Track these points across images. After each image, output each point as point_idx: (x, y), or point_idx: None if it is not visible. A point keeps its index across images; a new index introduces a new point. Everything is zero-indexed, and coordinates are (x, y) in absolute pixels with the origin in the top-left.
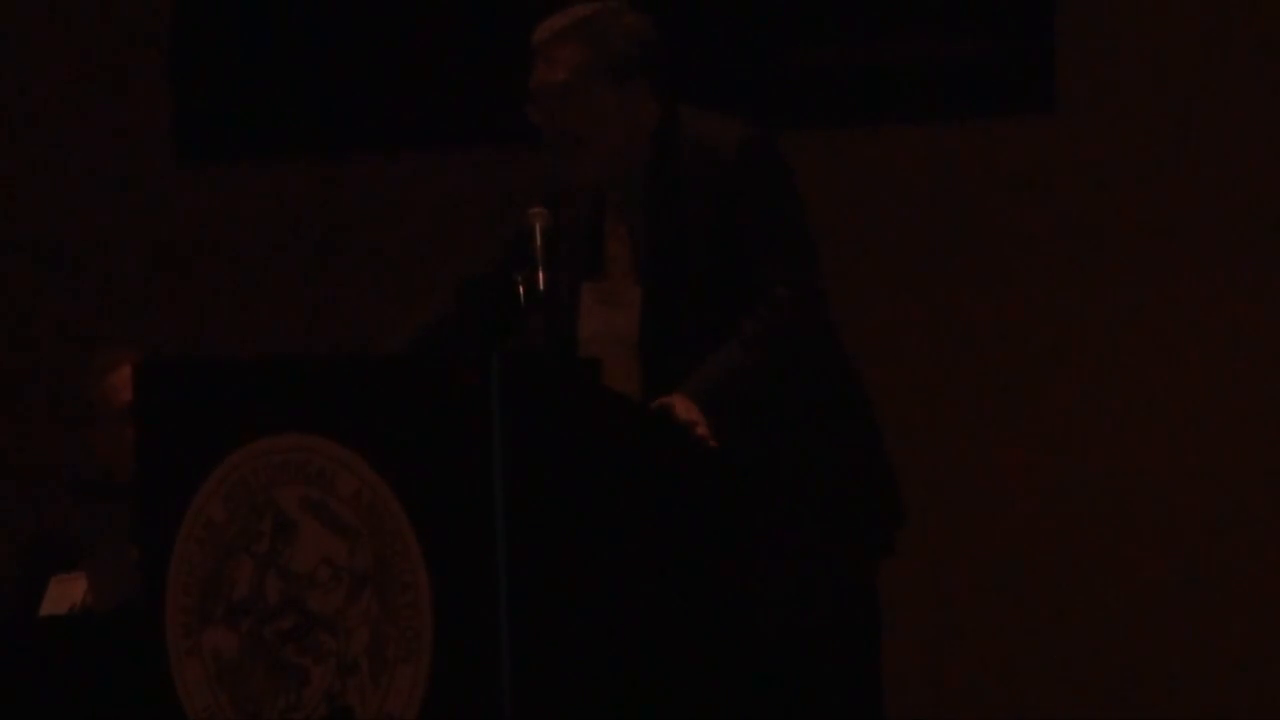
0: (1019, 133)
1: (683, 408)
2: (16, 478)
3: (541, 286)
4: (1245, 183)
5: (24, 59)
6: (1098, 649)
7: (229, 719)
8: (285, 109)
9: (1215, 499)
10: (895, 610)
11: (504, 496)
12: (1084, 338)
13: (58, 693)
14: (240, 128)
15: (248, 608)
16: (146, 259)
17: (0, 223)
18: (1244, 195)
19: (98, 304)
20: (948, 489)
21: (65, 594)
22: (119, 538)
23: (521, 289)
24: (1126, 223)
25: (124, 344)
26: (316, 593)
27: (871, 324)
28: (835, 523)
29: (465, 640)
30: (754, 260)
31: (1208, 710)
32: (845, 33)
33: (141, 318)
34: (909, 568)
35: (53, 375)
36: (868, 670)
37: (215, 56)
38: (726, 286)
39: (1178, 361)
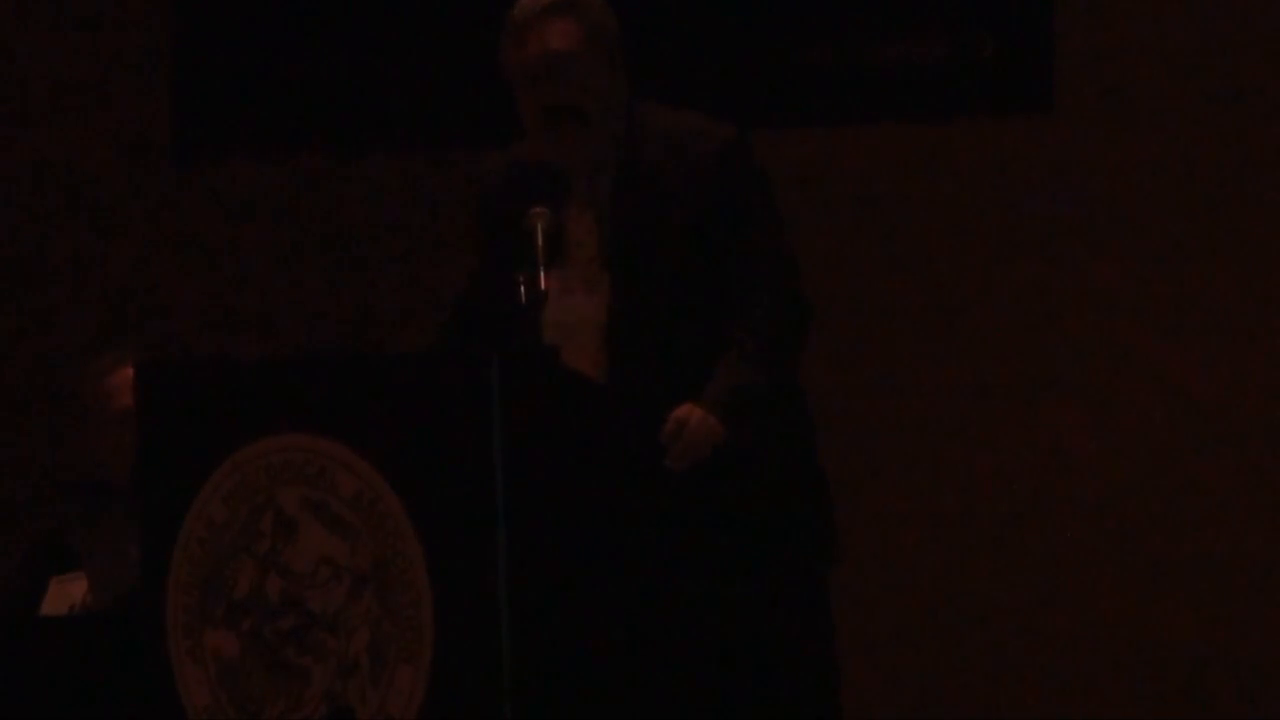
0: (1019, 133)
1: (697, 419)
2: (17, 478)
3: (543, 286)
4: (1245, 182)
5: (23, 59)
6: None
7: (229, 719)
8: (285, 109)
9: (1212, 498)
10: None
11: (504, 496)
12: (1084, 336)
13: (58, 693)
14: (239, 128)
15: (248, 608)
16: (146, 259)
17: None
18: (1244, 194)
19: (97, 305)
20: (944, 488)
21: (65, 594)
22: (118, 539)
23: (523, 289)
24: (1126, 222)
25: (120, 347)
26: (317, 592)
27: (869, 323)
28: (777, 533)
29: (465, 640)
30: (737, 269)
31: (1204, 709)
32: (843, 33)
33: (141, 318)
34: (894, 565)
35: (52, 376)
36: (825, 675)
37: (215, 56)
38: (696, 277)
39: (1178, 359)
